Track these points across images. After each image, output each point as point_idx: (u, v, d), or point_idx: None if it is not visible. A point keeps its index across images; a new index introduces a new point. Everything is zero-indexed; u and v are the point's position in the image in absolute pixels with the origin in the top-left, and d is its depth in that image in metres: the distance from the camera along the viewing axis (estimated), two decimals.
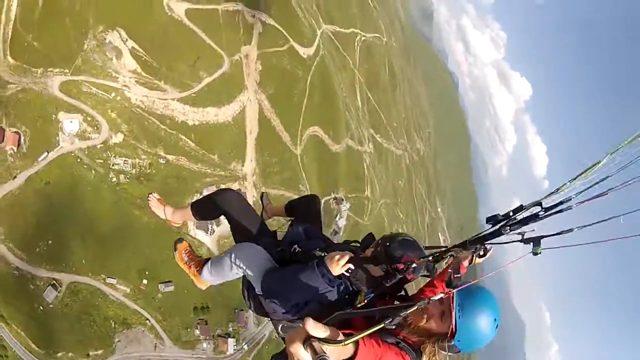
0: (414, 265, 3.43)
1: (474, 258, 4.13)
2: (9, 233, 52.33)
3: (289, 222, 5.36)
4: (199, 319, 62.15)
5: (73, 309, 54.63)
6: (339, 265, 3.72)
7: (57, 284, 53.82)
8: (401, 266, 3.51)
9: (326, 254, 3.97)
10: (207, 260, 5.18)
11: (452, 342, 3.25)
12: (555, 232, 2.86)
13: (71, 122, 56.06)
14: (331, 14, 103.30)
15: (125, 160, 58.81)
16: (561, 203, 2.82)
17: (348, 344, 2.16)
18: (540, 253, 2.94)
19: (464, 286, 3.16)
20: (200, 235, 62.48)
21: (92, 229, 55.98)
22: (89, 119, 57.26)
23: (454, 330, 3.21)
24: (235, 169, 69.32)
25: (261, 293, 4.36)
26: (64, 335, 53.95)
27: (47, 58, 55.50)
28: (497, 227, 3.11)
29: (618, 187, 2.68)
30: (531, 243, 2.94)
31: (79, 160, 56.68)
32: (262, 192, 8.61)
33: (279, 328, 4.29)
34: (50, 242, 54.06)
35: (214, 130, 66.89)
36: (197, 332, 61.98)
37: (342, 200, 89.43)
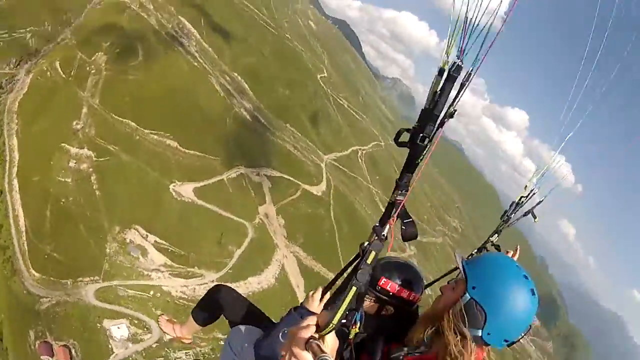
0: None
1: None
2: None
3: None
4: None
5: None
6: (315, 300, 3.49)
7: None
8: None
9: None
10: None
11: (468, 296, 2.43)
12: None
13: (118, 327, 53.95)
14: (327, 143, 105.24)
15: (186, 353, 56.11)
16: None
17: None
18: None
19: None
20: None
21: None
22: (136, 321, 55.34)
23: (464, 275, 2.50)
24: None
25: None
26: None
27: (73, 268, 54.96)
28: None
29: None
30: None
31: None
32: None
33: (280, 334, 3.67)
34: None
35: (261, 297, 64.14)
36: None
37: None
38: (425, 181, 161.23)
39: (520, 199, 4.66)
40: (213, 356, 56.40)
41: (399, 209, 2.45)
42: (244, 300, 4.78)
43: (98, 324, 54.10)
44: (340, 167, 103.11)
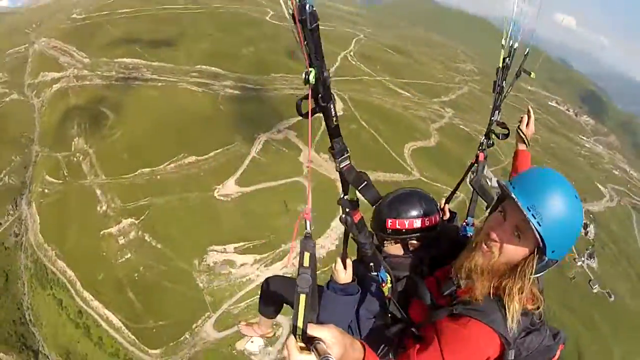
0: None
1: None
2: None
3: None
4: None
5: None
6: (339, 270, 3.19)
7: None
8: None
9: None
10: None
11: (546, 259, 2.30)
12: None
13: (252, 342, 52.21)
14: None
15: None
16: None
17: None
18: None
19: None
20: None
21: None
22: None
23: (542, 242, 2.22)
24: None
25: None
26: None
27: (182, 322, 54.06)
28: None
29: None
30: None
31: None
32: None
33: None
34: None
35: None
36: None
37: None
38: (420, 44, 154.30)
39: (504, 62, 3.87)
40: None
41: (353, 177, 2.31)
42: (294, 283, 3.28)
43: (234, 351, 52.88)
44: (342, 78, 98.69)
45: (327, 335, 1.72)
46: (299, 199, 63.48)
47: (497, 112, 4.04)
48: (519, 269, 2.35)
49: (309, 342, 1.73)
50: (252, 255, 58.55)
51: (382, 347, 3.13)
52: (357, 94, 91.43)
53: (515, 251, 2.35)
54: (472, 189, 3.77)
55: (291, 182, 66.43)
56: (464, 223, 3.70)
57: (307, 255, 1.78)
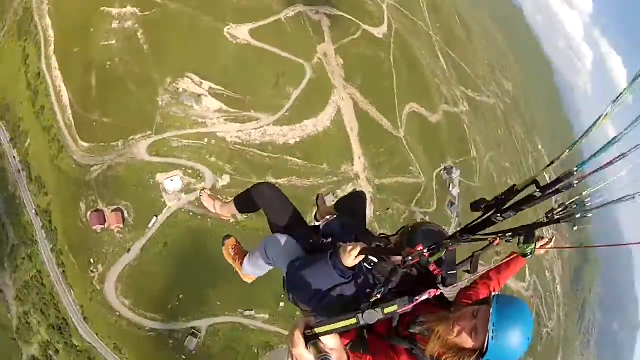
0: (410, 257, 3.13)
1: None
2: (135, 302, 50.94)
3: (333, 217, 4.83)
4: None
5: (215, 348, 53.06)
6: (351, 257, 3.38)
7: (196, 332, 52.50)
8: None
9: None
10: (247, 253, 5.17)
11: None
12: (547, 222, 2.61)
13: (172, 180, 52.15)
14: None
15: None
16: (559, 181, 2.44)
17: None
18: (530, 255, 2.74)
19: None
20: None
21: (220, 271, 50.96)
22: (189, 171, 53.32)
23: (484, 350, 2.78)
24: (346, 171, 63.52)
25: (286, 284, 4.15)
26: None
27: (124, 128, 52.22)
28: (486, 215, 2.88)
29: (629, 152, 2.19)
30: (522, 237, 2.72)
31: (190, 213, 53.07)
32: (318, 194, 6.67)
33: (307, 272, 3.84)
34: (181, 296, 52.24)
35: (316, 141, 60.98)
36: None
37: (452, 168, 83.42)
38: (485, 36, 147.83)
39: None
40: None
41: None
42: (288, 205, 4.64)
43: (151, 180, 52.36)
44: (402, 9, 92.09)
45: (332, 342, 2.03)
46: (292, 81, 61.53)
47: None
48: (460, 354, 2.86)
49: (309, 340, 1.93)
50: (221, 103, 56.54)
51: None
52: (405, 31, 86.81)
53: (466, 341, 2.85)
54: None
55: (296, 63, 63.34)
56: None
57: (393, 307, 2.20)
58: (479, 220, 2.93)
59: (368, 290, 3.50)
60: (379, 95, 71.69)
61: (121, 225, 50.88)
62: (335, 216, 5.01)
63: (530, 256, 2.75)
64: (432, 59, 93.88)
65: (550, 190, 2.49)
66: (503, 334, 2.71)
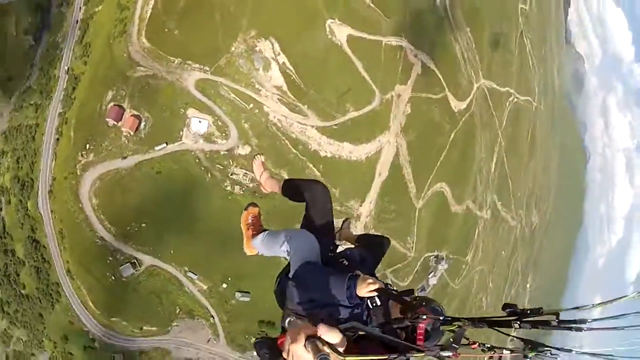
0: (424, 317, 3.28)
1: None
2: (102, 205, 50.82)
3: (354, 246, 5.38)
4: (260, 331, 58.46)
5: (145, 287, 53.36)
6: (367, 288, 3.60)
7: (136, 264, 52.65)
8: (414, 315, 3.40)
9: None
10: (265, 230, 5.34)
11: None
12: (556, 347, 2.93)
13: (200, 122, 51.11)
14: (491, 69, 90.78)
15: (245, 173, 53.05)
16: (575, 322, 2.82)
17: (347, 358, 2.17)
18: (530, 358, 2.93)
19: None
20: None
21: (191, 225, 52.45)
22: (220, 123, 52.16)
23: None
24: (352, 206, 62.19)
25: (291, 277, 4.30)
26: (126, 305, 53.59)
27: (188, 50, 50.83)
28: (507, 318, 3.09)
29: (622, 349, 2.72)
30: (529, 346, 2.95)
31: (197, 160, 52.08)
32: (347, 218, 7.23)
33: (286, 321, 4.06)
34: (144, 225, 51.85)
35: (343, 166, 59.64)
36: (253, 339, 58.64)
37: (443, 259, 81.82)
38: (544, 164, 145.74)
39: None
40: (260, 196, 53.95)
41: None
42: (330, 212, 4.92)
43: (182, 110, 51.32)
44: (488, 98, 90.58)
45: (336, 340, 2.05)
46: (356, 102, 60.65)
47: None
48: None
49: (308, 339, 1.94)
50: (284, 82, 55.24)
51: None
52: (479, 118, 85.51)
53: None
54: None
55: (371, 88, 61.90)
56: None
57: None
58: (500, 318, 3.12)
59: (357, 321, 3.53)
60: (421, 159, 70.40)
61: (132, 132, 50.05)
62: (355, 245, 5.41)
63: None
64: (486, 156, 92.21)
65: (563, 326, 2.84)
66: None
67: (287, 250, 4.56)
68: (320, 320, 3.42)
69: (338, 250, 4.92)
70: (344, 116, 59.02)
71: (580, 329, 2.77)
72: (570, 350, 2.94)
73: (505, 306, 3.18)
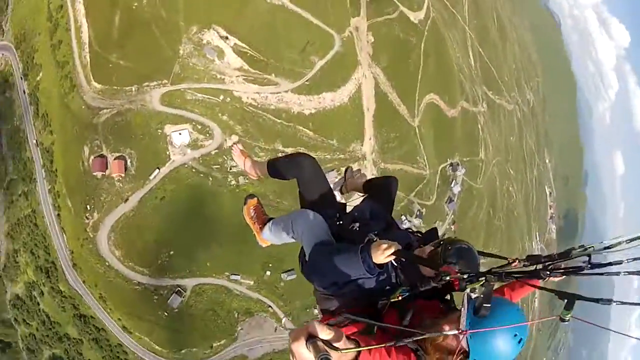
0: (448, 277, 3.07)
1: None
2: (126, 254, 50.71)
3: (362, 198, 5.06)
4: None
5: (198, 308, 53.32)
6: (384, 255, 3.41)
7: (181, 290, 52.47)
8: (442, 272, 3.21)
9: (377, 239, 3.62)
10: (271, 219, 5.11)
11: None
12: (594, 298, 2.54)
13: (180, 134, 50.56)
14: None
15: None
16: (610, 264, 2.57)
17: (348, 351, 2.19)
18: (568, 321, 2.62)
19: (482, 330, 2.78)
20: None
21: (214, 233, 52.45)
22: (199, 126, 51.73)
23: (466, 350, 2.87)
24: (354, 149, 62.08)
25: (307, 261, 4.21)
26: (189, 333, 53.34)
27: (139, 73, 50.14)
28: (536, 268, 2.94)
29: None
30: (565, 300, 2.59)
31: (193, 170, 51.89)
32: (348, 166, 6.82)
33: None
34: (172, 252, 51.68)
35: (331, 115, 59.16)
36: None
37: (458, 165, 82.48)
38: (519, 43, 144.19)
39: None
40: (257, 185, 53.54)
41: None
42: (324, 181, 4.63)
43: (159, 130, 50.68)
44: None
45: (328, 336, 1.97)
46: (319, 51, 59.10)
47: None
48: (451, 356, 2.90)
49: (308, 340, 1.89)
50: (243, 62, 54.17)
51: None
52: (442, 21, 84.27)
53: (452, 343, 2.91)
54: None
55: (327, 32, 60.55)
56: None
57: None
58: (528, 269, 2.99)
59: (388, 288, 3.59)
60: (402, 79, 69.43)
61: (122, 174, 49.85)
62: (363, 197, 5.17)
63: (567, 322, 2.65)
64: (462, 54, 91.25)
65: (597, 271, 2.61)
66: (479, 334, 2.75)
67: (294, 236, 4.47)
68: (346, 302, 3.86)
69: (348, 211, 4.66)
70: (312, 69, 58.03)
71: (617, 273, 2.49)
72: (609, 301, 2.51)
73: (529, 257, 3.06)
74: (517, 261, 3.29)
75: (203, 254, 52.64)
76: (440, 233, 4.35)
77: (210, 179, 52.45)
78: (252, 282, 55.65)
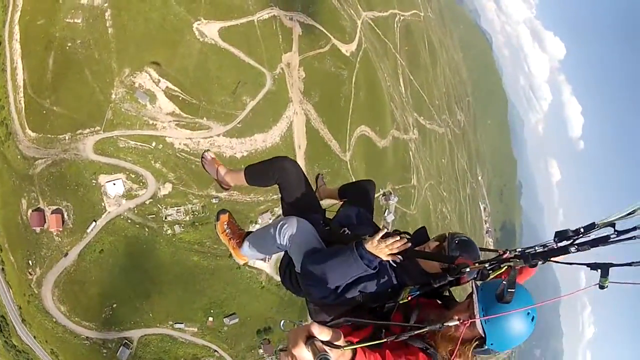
0: (468, 269, 3.12)
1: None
2: (71, 309, 50.17)
3: (341, 204, 4.96)
4: (263, 339, 60.75)
5: (146, 359, 53.43)
6: (391, 250, 3.37)
7: (128, 342, 52.47)
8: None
9: None
10: (249, 233, 4.91)
11: (485, 347, 2.98)
12: (626, 262, 2.62)
13: (114, 184, 50.47)
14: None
15: (177, 210, 53.78)
16: (635, 229, 2.54)
17: (346, 349, 2.22)
18: (607, 287, 2.67)
19: (499, 314, 2.85)
20: (258, 263, 58.03)
21: (154, 283, 53.32)
22: (133, 175, 51.79)
23: (483, 335, 2.94)
24: None
25: (299, 272, 3.97)
26: None
27: (73, 120, 49.64)
28: (564, 244, 2.94)
29: None
30: (599, 270, 2.68)
31: (129, 221, 51.93)
32: (319, 173, 6.80)
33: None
34: (114, 305, 51.76)
35: (263, 156, 58.47)
36: (261, 351, 60.94)
37: (391, 194, 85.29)
38: (450, 65, 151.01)
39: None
40: (202, 214, 54.84)
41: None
42: (308, 185, 4.48)
43: (94, 181, 50.52)
44: (375, 28, 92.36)
45: (327, 337, 2.00)
46: (250, 91, 60.41)
47: None
48: (466, 345, 2.99)
49: (307, 341, 1.91)
50: (175, 106, 54.45)
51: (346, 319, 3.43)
52: (373, 51, 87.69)
53: (465, 332, 2.94)
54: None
55: (259, 71, 62.11)
56: None
57: None
58: (556, 247, 3.01)
59: (390, 290, 3.59)
60: (333, 114, 72.02)
61: (60, 229, 49.22)
62: (342, 203, 5.07)
63: (606, 288, 2.74)
64: (392, 83, 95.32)
65: (625, 237, 2.63)
66: (494, 318, 2.85)
67: (279, 246, 4.17)
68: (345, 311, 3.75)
69: (330, 217, 4.59)
70: (244, 110, 59.40)
71: None
72: None
73: (557, 234, 3.02)
74: (508, 252, 3.35)
75: (145, 305, 53.18)
76: None
77: (147, 229, 52.77)
78: (196, 329, 56.43)
